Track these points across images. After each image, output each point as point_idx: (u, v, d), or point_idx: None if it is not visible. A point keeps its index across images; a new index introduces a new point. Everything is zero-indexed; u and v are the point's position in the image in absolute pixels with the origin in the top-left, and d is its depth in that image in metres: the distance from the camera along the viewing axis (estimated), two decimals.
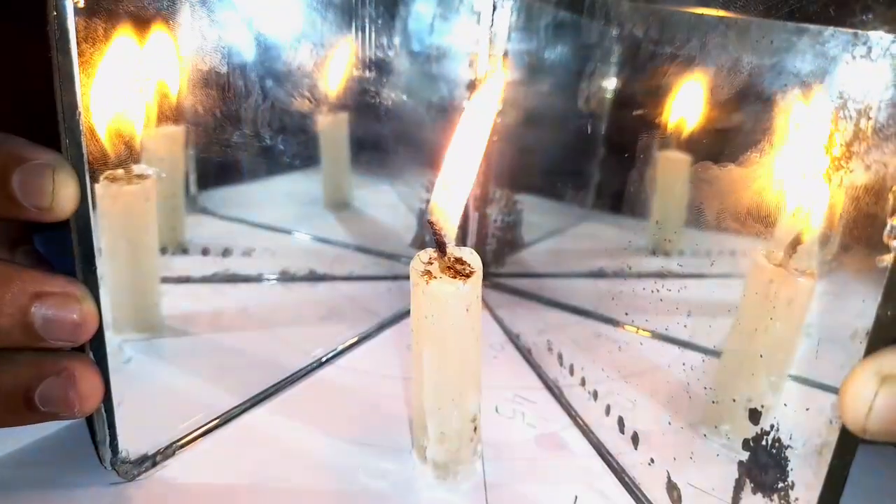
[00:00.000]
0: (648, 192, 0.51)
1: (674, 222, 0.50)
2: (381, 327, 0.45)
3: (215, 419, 0.34)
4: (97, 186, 0.25)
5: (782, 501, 0.26)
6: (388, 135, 0.53)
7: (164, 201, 0.51)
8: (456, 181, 0.27)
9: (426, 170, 0.51)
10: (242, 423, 0.35)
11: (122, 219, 0.39)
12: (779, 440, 0.26)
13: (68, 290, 0.23)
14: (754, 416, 0.28)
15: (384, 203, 0.58)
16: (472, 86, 0.47)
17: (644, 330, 0.42)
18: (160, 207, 0.50)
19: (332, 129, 0.52)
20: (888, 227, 0.31)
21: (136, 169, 0.40)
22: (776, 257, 0.32)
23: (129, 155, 0.50)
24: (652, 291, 0.39)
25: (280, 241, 0.54)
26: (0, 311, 0.22)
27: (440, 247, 0.27)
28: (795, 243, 0.30)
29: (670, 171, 0.52)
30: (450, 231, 0.27)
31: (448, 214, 0.27)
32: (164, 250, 0.49)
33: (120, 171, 0.39)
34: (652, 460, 0.32)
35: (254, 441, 0.33)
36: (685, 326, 0.35)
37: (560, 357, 0.41)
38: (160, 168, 0.52)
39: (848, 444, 0.19)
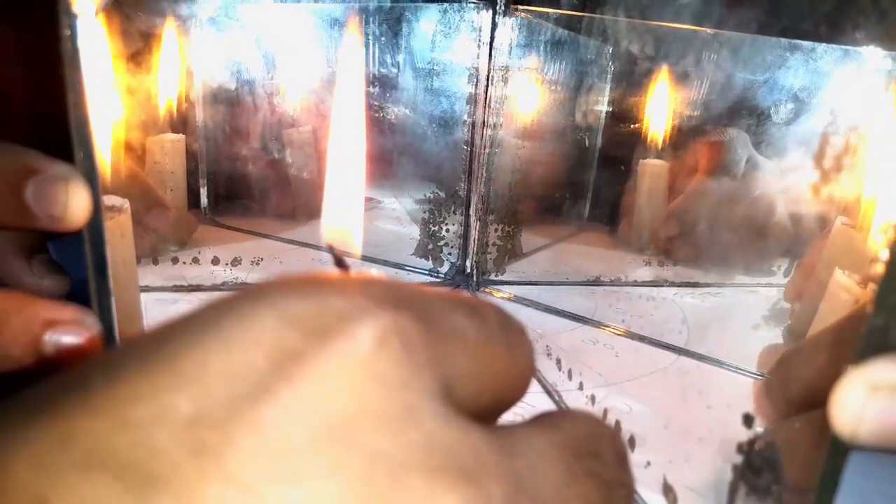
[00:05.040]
0: (644, 202, 0.52)
1: (668, 232, 0.51)
2: None
3: None
4: None
5: None
6: (392, 148, 0.54)
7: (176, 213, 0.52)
8: (345, 193, 0.24)
9: (429, 182, 0.52)
10: None
11: None
12: (772, 443, 0.27)
13: (79, 319, 0.23)
14: (747, 420, 0.29)
15: (388, 214, 0.59)
16: (471, 99, 0.48)
17: (640, 335, 0.43)
18: (174, 220, 0.51)
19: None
20: (874, 237, 0.32)
21: (108, 201, 0.34)
22: (859, 278, 0.31)
23: (140, 166, 0.52)
24: (648, 299, 0.40)
25: (287, 250, 0.55)
26: (14, 339, 0.22)
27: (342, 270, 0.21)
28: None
29: (665, 183, 0.53)
30: (354, 249, 0.23)
31: (347, 232, 0.23)
32: (175, 260, 0.50)
33: None
34: (648, 462, 0.33)
35: None
36: (679, 333, 0.36)
37: (559, 362, 0.42)
38: (169, 179, 0.53)
39: (839, 451, 0.19)
